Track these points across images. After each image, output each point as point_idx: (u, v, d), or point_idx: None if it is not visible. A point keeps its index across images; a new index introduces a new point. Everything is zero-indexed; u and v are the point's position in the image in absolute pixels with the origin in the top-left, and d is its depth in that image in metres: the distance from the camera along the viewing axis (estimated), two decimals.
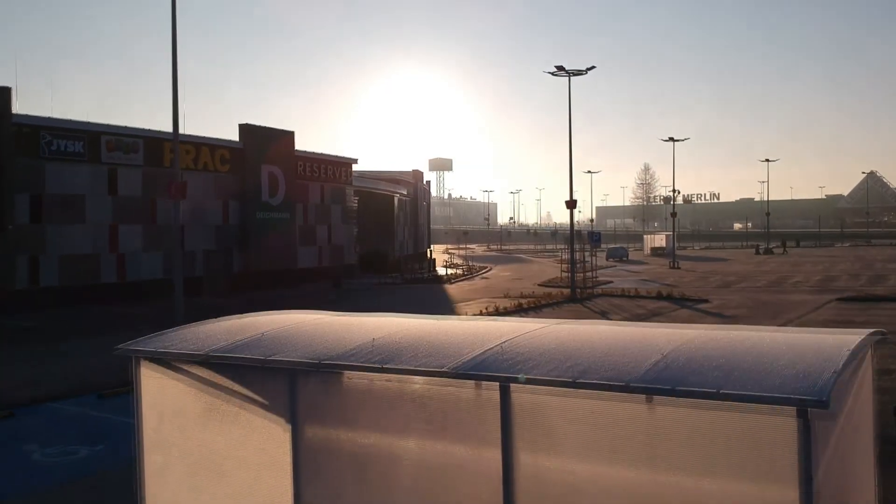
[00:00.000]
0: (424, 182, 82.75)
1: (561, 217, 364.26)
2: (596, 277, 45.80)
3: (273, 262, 42.46)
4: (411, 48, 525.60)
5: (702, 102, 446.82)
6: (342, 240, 49.34)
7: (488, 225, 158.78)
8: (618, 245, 76.15)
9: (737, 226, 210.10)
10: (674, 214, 62.67)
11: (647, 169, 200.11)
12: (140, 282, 35.11)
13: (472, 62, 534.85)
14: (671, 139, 59.19)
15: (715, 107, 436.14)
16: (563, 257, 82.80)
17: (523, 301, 31.85)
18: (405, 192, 66.39)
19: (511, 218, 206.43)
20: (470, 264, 68.39)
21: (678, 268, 57.52)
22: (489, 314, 28.28)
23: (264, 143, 41.98)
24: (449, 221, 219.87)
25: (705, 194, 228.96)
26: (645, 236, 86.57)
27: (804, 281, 42.61)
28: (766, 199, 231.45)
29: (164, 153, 36.19)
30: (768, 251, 77.43)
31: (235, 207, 40.33)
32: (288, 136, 43.88)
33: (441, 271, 58.75)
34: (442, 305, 34.47)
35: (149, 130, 36.51)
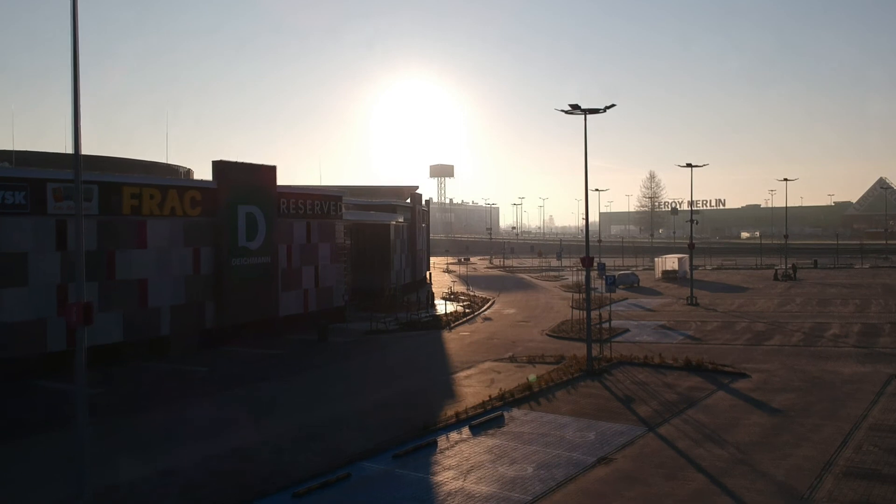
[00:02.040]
0: (423, 203, 78.37)
1: (563, 221, 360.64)
2: (610, 323, 41.55)
3: (252, 313, 38.17)
4: (412, 55, 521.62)
5: (705, 104, 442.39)
6: (331, 280, 44.97)
7: (490, 237, 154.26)
8: (629, 271, 71.68)
9: (744, 234, 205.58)
10: (691, 246, 58.22)
11: (652, 177, 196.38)
12: (95, 347, 30.73)
13: (474, 68, 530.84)
14: (689, 165, 54.85)
15: (719, 108, 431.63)
16: (570, 281, 78.71)
17: (532, 379, 27.47)
18: (402, 219, 62.03)
19: (513, 227, 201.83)
20: (472, 293, 64.15)
21: (696, 304, 53.17)
22: (494, 402, 23.94)
23: (241, 180, 37.65)
24: (450, 228, 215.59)
25: (711, 200, 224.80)
26: (656, 259, 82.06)
27: (843, 334, 38.18)
28: (772, 205, 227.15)
29: (123, 199, 31.93)
30: (787, 276, 73.00)
31: (208, 255, 35.99)
32: (268, 171, 39.54)
33: (440, 307, 54.43)
34: (438, 375, 30.10)
35: (103, 175, 32.30)
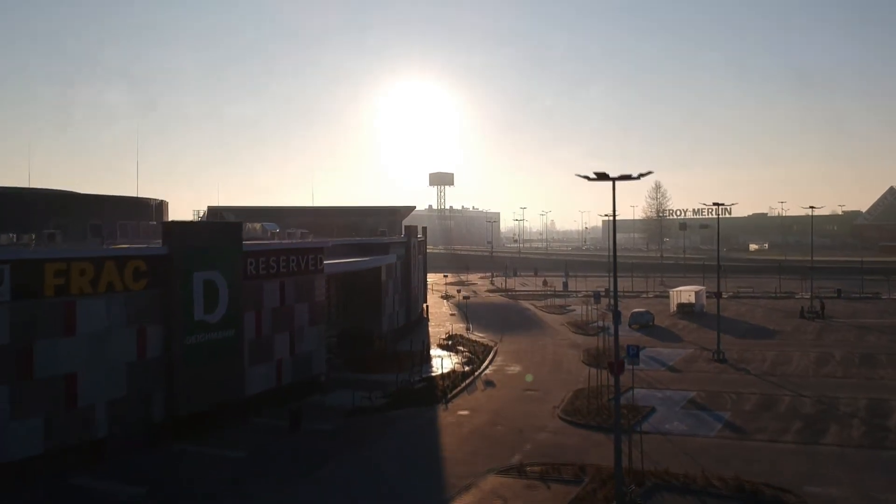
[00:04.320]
0: (420, 232, 72.45)
1: (565, 224, 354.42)
2: (633, 393, 35.82)
3: (212, 397, 32.30)
4: (412, 59, 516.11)
5: (706, 105, 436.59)
6: (310, 345, 39.16)
7: (491, 252, 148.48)
8: (643, 310, 65.77)
9: (752, 246, 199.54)
10: (719, 294, 52.38)
11: (657, 187, 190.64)
12: (6, 465, 24.94)
13: (473, 71, 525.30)
14: (716, 204, 49.08)
15: (720, 109, 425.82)
16: (577, 314, 72.72)
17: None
18: (395, 259, 56.17)
19: (515, 239, 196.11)
20: (471, 337, 58.49)
21: (724, 360, 47.41)
22: None
23: (198, 242, 31.83)
24: (450, 236, 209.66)
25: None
26: (671, 291, 76.09)
27: None
28: (781, 213, 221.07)
29: (44, 279, 26.05)
30: (815, 313, 67.26)
31: (156, 335, 30.11)
32: (231, 229, 33.74)
33: (436, 360, 48.66)
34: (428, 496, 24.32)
35: (19, 250, 26.46)
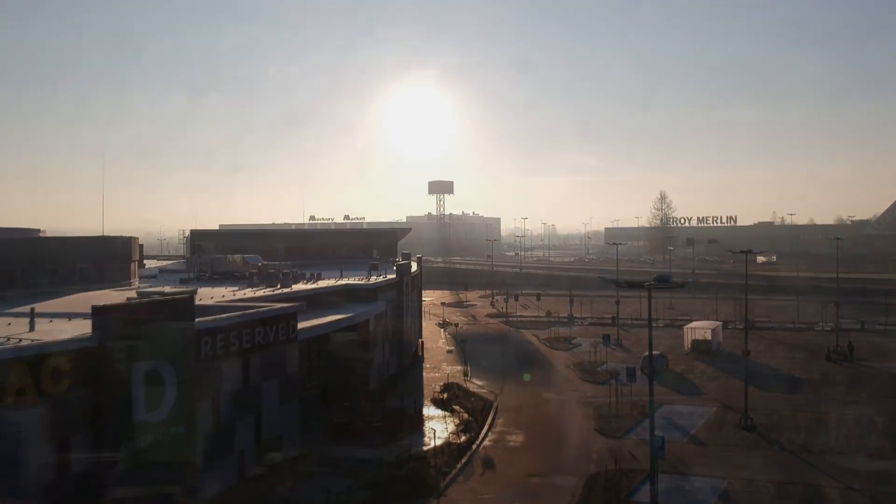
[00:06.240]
0: (413, 267, 66.99)
1: (565, 227, 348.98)
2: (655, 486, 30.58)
3: None
4: (411, 70, 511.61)
5: (704, 107, 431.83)
6: (280, 426, 33.94)
7: (492, 266, 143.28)
8: (656, 353, 60.29)
9: (760, 258, 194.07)
10: (746, 353, 47.01)
11: (663, 198, 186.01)
12: None
13: (473, 78, 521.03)
14: (744, 251, 43.83)
15: (717, 111, 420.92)
16: (585, 351, 67.27)
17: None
18: (383, 307, 50.82)
19: (515, 252, 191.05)
20: (469, 386, 53.28)
21: (753, 428, 42.10)
22: None
23: (138, 327, 26.53)
24: (448, 245, 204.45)
25: (721, 217, 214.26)
26: (685, 328, 70.77)
27: None
28: (787, 221, 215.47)
29: None
30: (843, 356, 62.16)
31: (84, 445, 24.84)
32: (181, 304, 28.42)
33: (429, 424, 43.45)
34: None
35: None
